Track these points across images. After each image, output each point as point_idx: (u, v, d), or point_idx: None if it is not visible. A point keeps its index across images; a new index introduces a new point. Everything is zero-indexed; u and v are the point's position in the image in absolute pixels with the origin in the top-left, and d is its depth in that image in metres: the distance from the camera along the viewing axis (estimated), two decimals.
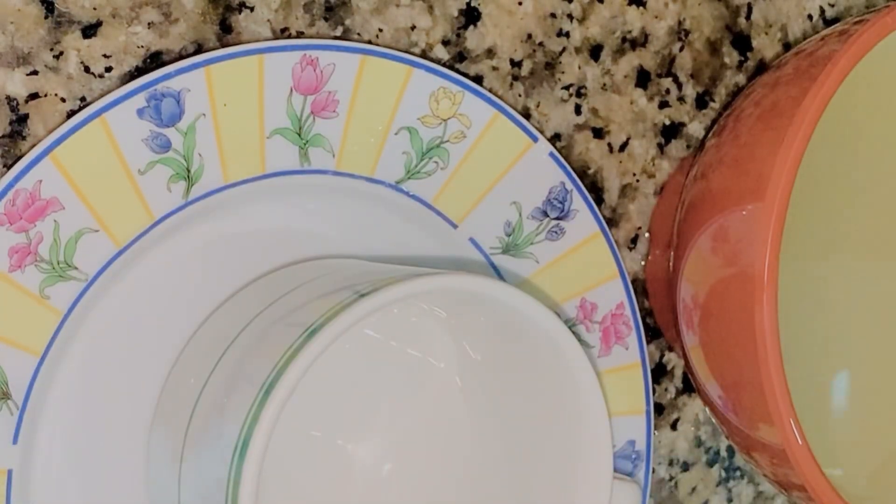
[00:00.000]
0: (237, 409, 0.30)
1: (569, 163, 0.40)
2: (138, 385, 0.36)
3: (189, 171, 0.34)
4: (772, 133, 0.35)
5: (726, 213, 0.36)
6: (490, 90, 0.40)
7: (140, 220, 0.34)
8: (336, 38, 0.37)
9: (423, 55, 0.39)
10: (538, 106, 0.41)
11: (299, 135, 0.35)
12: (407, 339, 0.37)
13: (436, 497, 0.37)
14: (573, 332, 0.33)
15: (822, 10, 0.46)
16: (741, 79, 0.45)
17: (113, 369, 0.35)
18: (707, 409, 0.42)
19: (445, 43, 0.39)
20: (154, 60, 0.35)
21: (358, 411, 0.38)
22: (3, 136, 0.33)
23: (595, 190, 0.43)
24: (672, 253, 0.40)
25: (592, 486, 0.34)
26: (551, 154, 0.39)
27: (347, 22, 0.37)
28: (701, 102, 0.44)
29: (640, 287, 0.44)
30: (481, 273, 0.38)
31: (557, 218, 0.40)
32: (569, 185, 0.40)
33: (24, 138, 0.34)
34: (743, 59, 0.45)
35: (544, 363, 0.34)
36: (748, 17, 0.45)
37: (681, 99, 0.44)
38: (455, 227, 0.39)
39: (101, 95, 0.34)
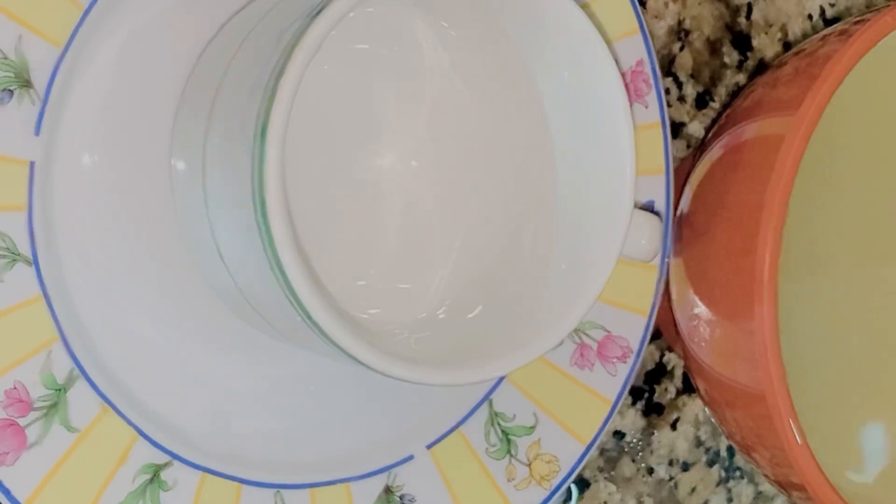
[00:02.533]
0: (257, 84, 0.29)
1: None
2: (163, 77, 0.34)
3: None
4: (772, 133, 0.36)
5: (726, 213, 0.36)
6: None
7: None
8: None
9: None
10: None
11: None
12: (392, 42, 0.36)
13: (466, 177, 0.37)
14: None
15: (822, 10, 0.46)
16: (741, 78, 0.45)
17: (143, 59, 0.34)
18: (707, 409, 0.42)
19: None
20: None
21: (370, 125, 0.37)
22: None
23: None
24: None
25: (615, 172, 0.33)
26: None
27: None
28: (701, 102, 0.44)
29: None
30: None
31: None
32: None
33: None
34: (743, 58, 0.45)
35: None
36: (748, 17, 0.45)
37: (681, 99, 0.44)
38: None
39: None
